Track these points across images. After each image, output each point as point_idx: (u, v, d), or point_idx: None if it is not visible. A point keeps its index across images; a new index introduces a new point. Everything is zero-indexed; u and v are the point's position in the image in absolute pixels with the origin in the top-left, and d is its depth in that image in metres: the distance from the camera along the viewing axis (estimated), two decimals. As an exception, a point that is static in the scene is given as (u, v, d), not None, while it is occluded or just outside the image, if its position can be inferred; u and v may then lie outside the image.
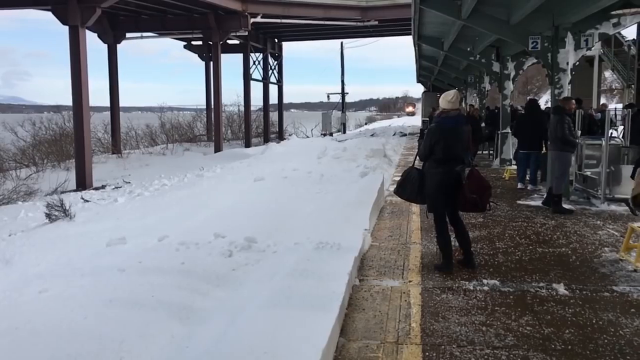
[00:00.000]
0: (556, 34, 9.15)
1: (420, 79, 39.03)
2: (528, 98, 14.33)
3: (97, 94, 27.17)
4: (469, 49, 15.91)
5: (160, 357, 3.31)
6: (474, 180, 5.32)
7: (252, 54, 33.05)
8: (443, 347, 3.75)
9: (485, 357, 3.58)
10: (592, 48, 9.68)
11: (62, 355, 3.27)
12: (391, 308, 4.49)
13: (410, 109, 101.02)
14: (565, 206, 8.58)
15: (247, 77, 32.12)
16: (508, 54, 14.97)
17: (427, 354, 3.65)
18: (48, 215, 9.20)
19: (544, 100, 35.29)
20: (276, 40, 37.17)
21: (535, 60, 14.66)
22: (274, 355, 3.04)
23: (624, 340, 3.79)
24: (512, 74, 15.35)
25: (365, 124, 68.72)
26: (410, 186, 5.71)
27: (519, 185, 10.89)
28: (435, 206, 5.54)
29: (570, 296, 4.70)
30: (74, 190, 16.81)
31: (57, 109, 30.50)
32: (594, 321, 4.13)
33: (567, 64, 9.22)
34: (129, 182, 17.54)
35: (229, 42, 30.85)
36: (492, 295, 4.75)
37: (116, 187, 16.71)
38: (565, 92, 9.39)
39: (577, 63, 9.84)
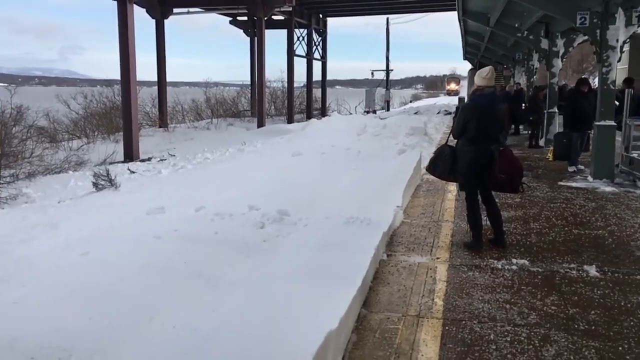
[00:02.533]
0: (606, 9, 8.76)
1: (467, 56, 38.03)
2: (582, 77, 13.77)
3: (146, 68, 27.78)
4: (516, 25, 15.38)
5: (187, 319, 3.49)
6: (504, 159, 5.23)
7: (296, 30, 32.94)
8: (464, 322, 3.79)
9: (505, 333, 3.61)
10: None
11: (98, 312, 3.49)
12: (416, 283, 4.55)
13: (452, 86, 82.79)
14: (607, 189, 8.37)
15: (291, 53, 32.08)
16: (558, 30, 14.41)
17: (447, 328, 3.71)
18: (95, 185, 9.64)
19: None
20: (321, 15, 36.88)
21: (586, 37, 14.07)
22: (292, 321, 3.16)
23: (651, 323, 3.74)
24: (561, 51, 14.78)
25: (410, 101, 67.82)
26: (442, 163, 5.68)
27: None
28: (467, 184, 5.51)
29: (600, 278, 4.62)
30: (122, 162, 17.42)
31: (109, 82, 31.34)
32: (622, 303, 4.08)
33: (617, 41, 8.84)
34: (174, 155, 18.03)
35: (274, 17, 30.84)
36: (520, 275, 4.73)
37: (161, 160, 17.23)
38: (614, 71, 9.05)
39: (629, 40, 9.41)
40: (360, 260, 4.43)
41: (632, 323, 3.74)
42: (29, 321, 3.35)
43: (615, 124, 9.19)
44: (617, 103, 9.96)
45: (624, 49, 9.16)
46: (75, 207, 7.82)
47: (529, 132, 15.37)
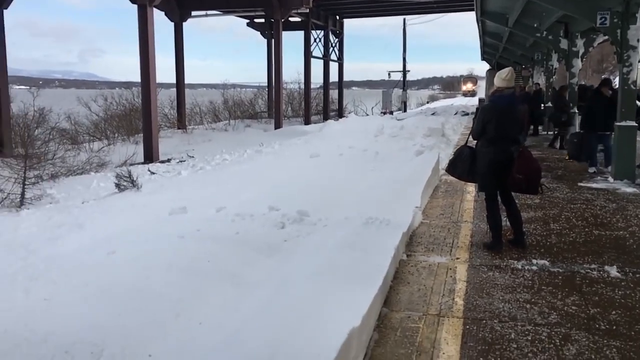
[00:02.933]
0: (627, 9, 8.70)
1: (484, 56, 37.86)
2: (603, 77, 13.50)
3: (164, 70, 28.02)
4: (535, 25, 15.30)
5: (212, 316, 3.58)
6: (523, 160, 5.24)
7: (313, 32, 33.06)
8: (484, 321, 3.82)
9: (526, 332, 3.63)
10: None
11: (126, 309, 3.60)
12: (436, 283, 4.58)
13: (469, 86, 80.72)
14: (628, 189, 8.31)
15: (307, 55, 32.21)
16: (577, 30, 14.31)
17: (467, 327, 3.74)
18: (117, 185, 9.81)
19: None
20: (337, 17, 36.97)
21: (606, 37, 13.92)
22: (316, 318, 3.22)
23: (673, 324, 3.73)
24: (581, 51, 14.69)
25: (427, 102, 67.53)
26: (461, 164, 5.72)
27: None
28: (486, 185, 5.53)
29: (621, 279, 4.62)
30: (142, 163, 17.63)
31: (128, 85, 31.71)
32: (643, 304, 4.07)
33: (638, 41, 8.77)
34: (193, 157, 18.21)
35: (291, 19, 30.97)
36: (540, 275, 4.74)
37: (180, 161, 17.41)
38: (635, 71, 8.98)
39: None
40: (381, 260, 4.48)
41: (654, 323, 3.74)
42: (61, 317, 3.46)
43: (636, 124, 9.11)
44: (638, 103, 9.87)
45: (645, 49, 9.08)
46: (99, 207, 7.99)
47: (554, 132, 15.03)
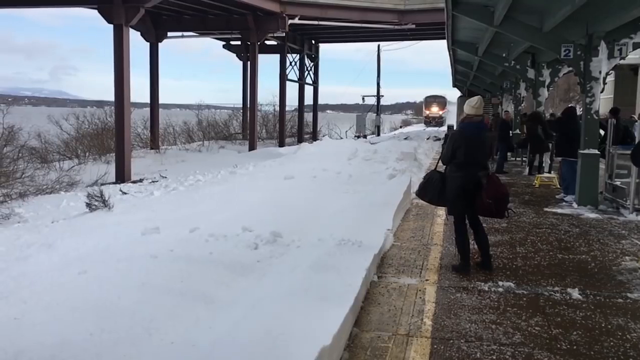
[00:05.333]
0: (589, 42, 9.12)
1: (456, 83, 38.72)
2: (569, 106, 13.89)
3: (138, 90, 27.95)
4: (504, 55, 15.86)
5: (185, 335, 3.60)
6: (492, 185, 5.44)
7: (288, 55, 33.46)
8: (452, 341, 3.93)
9: (491, 352, 3.75)
10: (626, 57, 9.61)
11: (98, 328, 3.60)
12: (406, 304, 4.69)
13: (433, 109, 64.91)
14: (591, 215, 8.61)
15: (283, 78, 32.53)
16: (544, 61, 14.88)
17: (435, 346, 3.84)
18: (88, 205, 9.71)
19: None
20: (313, 41, 37.51)
21: (570, 68, 14.48)
22: (289, 337, 3.28)
23: (630, 343, 3.90)
24: (547, 81, 15.25)
25: (400, 127, 68.36)
26: (431, 189, 5.89)
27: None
28: (455, 209, 5.70)
29: (583, 300, 4.80)
30: (113, 183, 17.44)
31: (100, 104, 31.44)
32: (602, 325, 4.24)
33: (600, 72, 9.18)
34: (165, 177, 18.10)
35: (267, 42, 31.32)
36: (506, 297, 4.89)
37: (153, 181, 17.28)
38: (598, 101, 9.37)
39: (612, 72, 9.77)
40: (352, 281, 4.57)
41: (612, 343, 3.91)
42: (32, 335, 3.45)
43: (598, 152, 9.48)
44: (602, 132, 10.27)
45: (606, 80, 9.50)
46: (69, 227, 7.91)
47: (521, 158, 15.23)
